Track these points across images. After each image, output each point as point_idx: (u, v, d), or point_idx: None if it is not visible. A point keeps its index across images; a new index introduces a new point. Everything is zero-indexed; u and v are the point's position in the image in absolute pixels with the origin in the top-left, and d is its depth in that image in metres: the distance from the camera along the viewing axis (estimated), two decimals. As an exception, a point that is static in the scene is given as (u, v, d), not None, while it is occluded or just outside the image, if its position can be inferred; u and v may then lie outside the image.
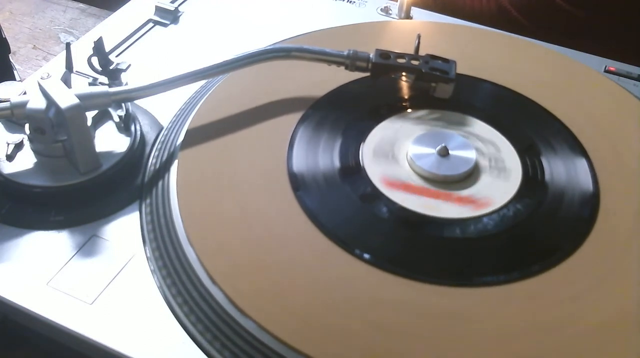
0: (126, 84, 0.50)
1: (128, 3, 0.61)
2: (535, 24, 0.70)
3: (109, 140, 0.45)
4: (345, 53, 0.48)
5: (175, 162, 0.44)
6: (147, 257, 0.40)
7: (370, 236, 0.40)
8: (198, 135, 0.46)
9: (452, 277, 0.38)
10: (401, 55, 0.49)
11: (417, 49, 0.49)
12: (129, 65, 0.52)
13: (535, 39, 0.58)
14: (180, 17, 0.60)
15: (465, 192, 0.43)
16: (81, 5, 0.87)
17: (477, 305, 0.37)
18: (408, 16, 0.62)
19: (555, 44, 0.58)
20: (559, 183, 0.44)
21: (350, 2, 0.63)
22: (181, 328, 0.37)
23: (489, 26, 0.60)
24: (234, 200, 0.42)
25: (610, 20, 0.69)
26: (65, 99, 0.41)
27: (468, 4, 0.74)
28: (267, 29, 0.59)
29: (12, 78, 0.66)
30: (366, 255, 0.39)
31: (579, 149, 0.47)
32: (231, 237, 0.40)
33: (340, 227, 0.40)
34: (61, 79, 0.43)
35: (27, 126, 0.43)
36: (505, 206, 0.42)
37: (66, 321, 0.37)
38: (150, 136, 0.48)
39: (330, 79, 0.51)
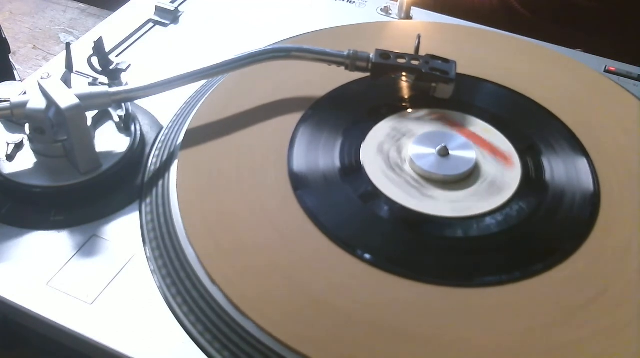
0: (126, 84, 0.50)
1: (128, 3, 0.61)
2: (538, 15, 0.70)
3: (109, 140, 0.45)
4: (346, 53, 0.48)
5: (175, 162, 0.44)
6: (147, 257, 0.40)
7: (371, 236, 0.40)
8: (198, 135, 0.46)
9: (453, 277, 0.38)
10: (401, 56, 0.49)
11: (417, 49, 0.49)
12: (129, 65, 0.52)
13: (537, 32, 0.58)
14: (180, 17, 0.60)
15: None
16: (81, 5, 0.87)
17: (478, 306, 0.37)
18: (408, 16, 0.62)
19: (557, 41, 0.58)
20: (559, 183, 0.44)
21: (350, 2, 0.63)
22: (181, 329, 0.37)
23: (490, 20, 0.60)
24: (234, 200, 0.42)
25: (612, 13, 0.68)
26: (65, 99, 0.41)
27: None
28: (267, 29, 0.59)
29: (12, 78, 0.66)
30: (367, 255, 0.39)
31: (579, 149, 0.47)
32: (231, 237, 0.40)
33: (341, 227, 0.40)
34: (61, 79, 0.43)
35: (27, 126, 0.43)
36: (506, 206, 0.42)
37: (66, 321, 0.37)
38: (150, 136, 0.48)
39: (330, 79, 0.51)
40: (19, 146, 0.44)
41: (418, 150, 0.45)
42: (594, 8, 0.68)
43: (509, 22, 0.59)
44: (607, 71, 0.56)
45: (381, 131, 0.47)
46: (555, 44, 0.58)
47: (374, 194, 0.43)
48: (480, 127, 0.47)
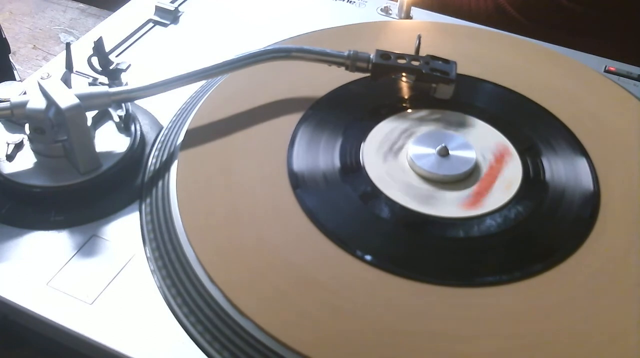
0: (126, 84, 0.50)
1: (128, 3, 0.61)
2: (533, 21, 0.70)
3: (109, 140, 0.45)
4: (346, 54, 0.48)
5: (175, 162, 0.44)
6: (147, 257, 0.40)
7: (371, 236, 0.40)
8: (198, 135, 0.46)
9: (453, 277, 0.38)
10: (401, 56, 0.49)
11: (417, 49, 0.49)
12: (129, 65, 0.52)
13: (534, 37, 0.58)
14: (180, 17, 0.60)
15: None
16: (81, 5, 0.87)
17: (478, 306, 0.37)
18: (408, 16, 0.62)
19: (554, 44, 0.58)
20: (559, 183, 0.44)
21: (350, 2, 0.63)
22: (181, 329, 0.37)
23: (487, 25, 0.60)
24: (234, 201, 0.42)
25: (609, 18, 0.69)
26: (65, 99, 0.41)
27: (466, 3, 0.74)
28: (267, 29, 0.59)
29: (12, 78, 0.66)
30: (366, 256, 0.39)
31: (579, 149, 0.47)
32: (231, 237, 0.40)
33: (341, 227, 0.40)
34: (61, 79, 0.43)
35: (27, 126, 0.43)
36: (506, 206, 0.42)
37: (66, 321, 0.37)
38: (150, 136, 0.48)
39: (330, 79, 0.51)
40: (19, 146, 0.44)
41: (418, 150, 0.45)
42: (589, 13, 0.68)
43: (505, 28, 0.59)
44: (607, 71, 0.56)
45: (382, 131, 0.47)
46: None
47: (374, 194, 0.43)
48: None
